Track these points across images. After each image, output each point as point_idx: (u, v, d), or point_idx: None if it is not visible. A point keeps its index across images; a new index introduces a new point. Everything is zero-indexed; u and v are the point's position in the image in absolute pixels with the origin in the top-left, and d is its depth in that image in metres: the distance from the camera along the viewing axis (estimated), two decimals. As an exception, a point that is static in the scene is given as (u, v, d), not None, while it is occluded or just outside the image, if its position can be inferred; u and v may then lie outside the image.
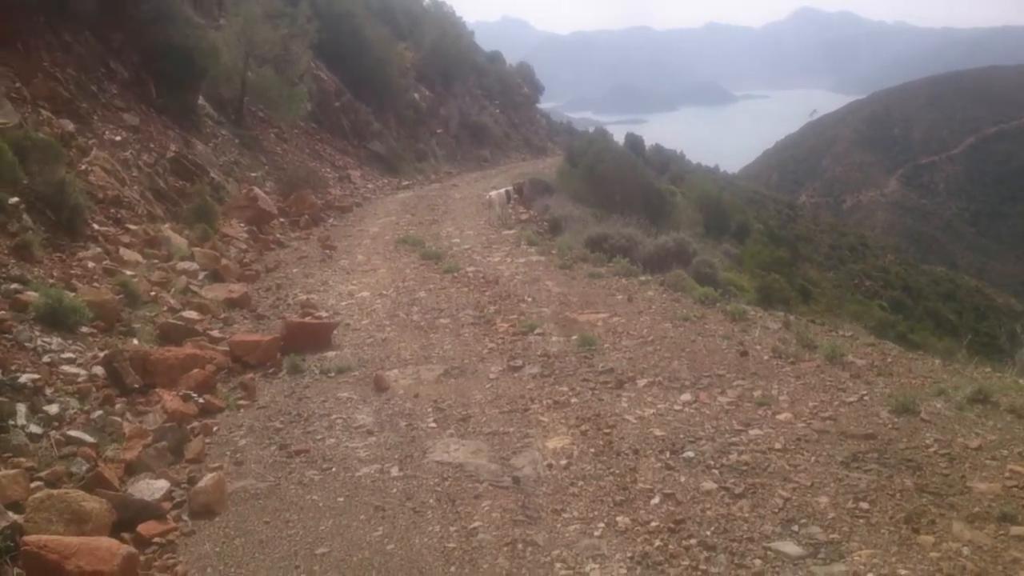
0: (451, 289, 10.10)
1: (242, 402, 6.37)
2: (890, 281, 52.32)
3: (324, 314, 8.99)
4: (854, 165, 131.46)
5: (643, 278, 10.31)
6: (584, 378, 6.60)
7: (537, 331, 8.00)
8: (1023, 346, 6.91)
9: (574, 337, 7.68)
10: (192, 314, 8.45)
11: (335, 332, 8.16)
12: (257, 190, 15.14)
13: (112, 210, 10.81)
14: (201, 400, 6.19)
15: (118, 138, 12.81)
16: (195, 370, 6.49)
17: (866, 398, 5.81)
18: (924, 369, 6.54)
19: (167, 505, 4.71)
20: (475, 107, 38.49)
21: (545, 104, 58.28)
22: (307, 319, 8.38)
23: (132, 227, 10.81)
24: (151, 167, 13.19)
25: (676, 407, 5.85)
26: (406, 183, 24.33)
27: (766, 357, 6.89)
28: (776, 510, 4.28)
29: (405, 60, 32.09)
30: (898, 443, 5.01)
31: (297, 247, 13.49)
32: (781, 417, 5.56)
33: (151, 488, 4.79)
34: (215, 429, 5.85)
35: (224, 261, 10.88)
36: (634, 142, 36.90)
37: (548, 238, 14.68)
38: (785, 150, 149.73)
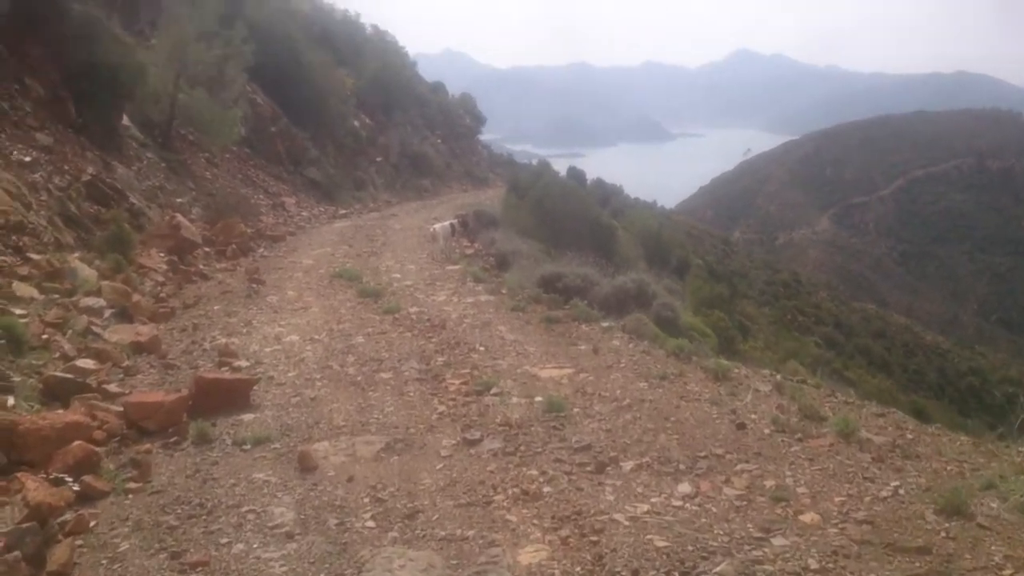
0: (392, 334, 8.92)
1: (132, 484, 5.07)
2: (822, 318, 52.89)
3: (244, 363, 7.71)
4: (787, 203, 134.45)
5: (605, 324, 9.30)
6: (556, 457, 5.47)
7: (494, 390, 6.86)
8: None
9: (538, 399, 6.59)
10: (88, 363, 7.16)
11: (255, 388, 6.91)
12: (180, 217, 13.86)
13: (13, 237, 9.59)
14: (77, 486, 4.90)
15: (27, 159, 11.64)
16: (76, 443, 5.22)
17: (901, 492, 4.83)
18: (953, 450, 5.61)
19: (12, 650, 3.48)
20: (416, 136, 37.53)
21: (485, 136, 57.52)
22: (222, 374, 7.09)
23: (34, 256, 9.57)
24: (63, 191, 11.94)
25: (675, 502, 4.78)
26: (343, 212, 23.16)
27: (767, 431, 5.89)
28: None
29: (346, 87, 31.08)
30: (961, 560, 4.00)
31: (222, 280, 12.25)
32: (806, 519, 4.53)
33: (-7, 623, 3.56)
34: (92, 524, 4.56)
35: (136, 297, 9.60)
36: (576, 175, 36.27)
37: (495, 274, 13.71)
38: (720, 187, 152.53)
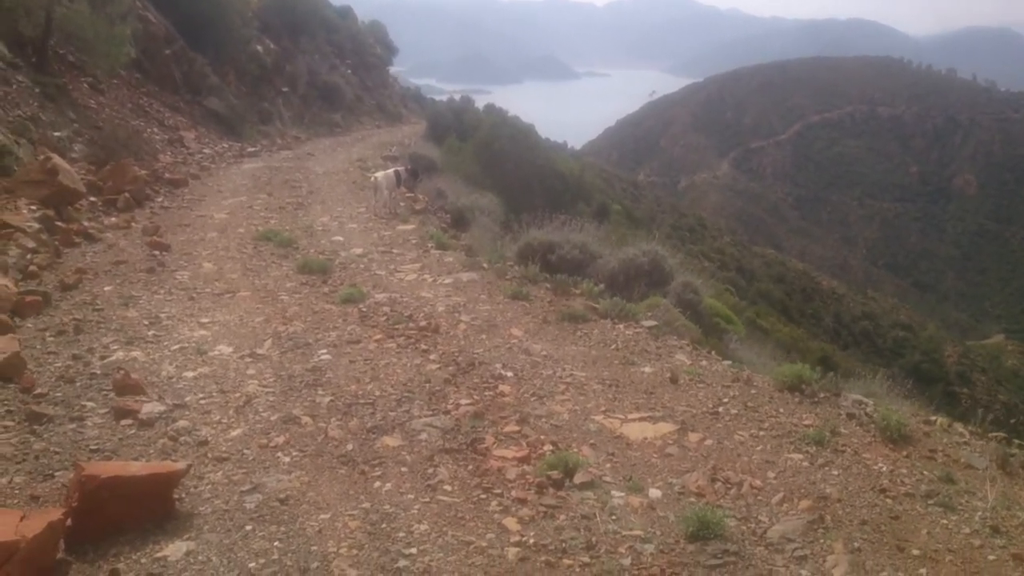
0: (368, 343, 6.31)
1: None
2: (726, 263, 52.63)
3: (156, 407, 4.96)
4: (690, 147, 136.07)
5: (648, 324, 6.96)
6: None
7: (578, 477, 4.27)
8: None
9: (655, 493, 4.17)
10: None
11: (181, 482, 4.08)
12: (57, 159, 10.89)
13: None
14: None
15: None
16: None
17: None
18: None
19: None
20: (325, 66, 34.26)
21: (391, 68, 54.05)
22: (125, 468, 3.95)
23: None
24: None
25: None
26: (251, 149, 20.19)
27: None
28: None
29: (250, 5, 27.56)
30: None
31: (113, 242, 9.51)
32: None
33: None
34: None
35: (-9, 276, 6.87)
36: (496, 113, 33.85)
37: (455, 236, 11.29)
38: (625, 129, 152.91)
